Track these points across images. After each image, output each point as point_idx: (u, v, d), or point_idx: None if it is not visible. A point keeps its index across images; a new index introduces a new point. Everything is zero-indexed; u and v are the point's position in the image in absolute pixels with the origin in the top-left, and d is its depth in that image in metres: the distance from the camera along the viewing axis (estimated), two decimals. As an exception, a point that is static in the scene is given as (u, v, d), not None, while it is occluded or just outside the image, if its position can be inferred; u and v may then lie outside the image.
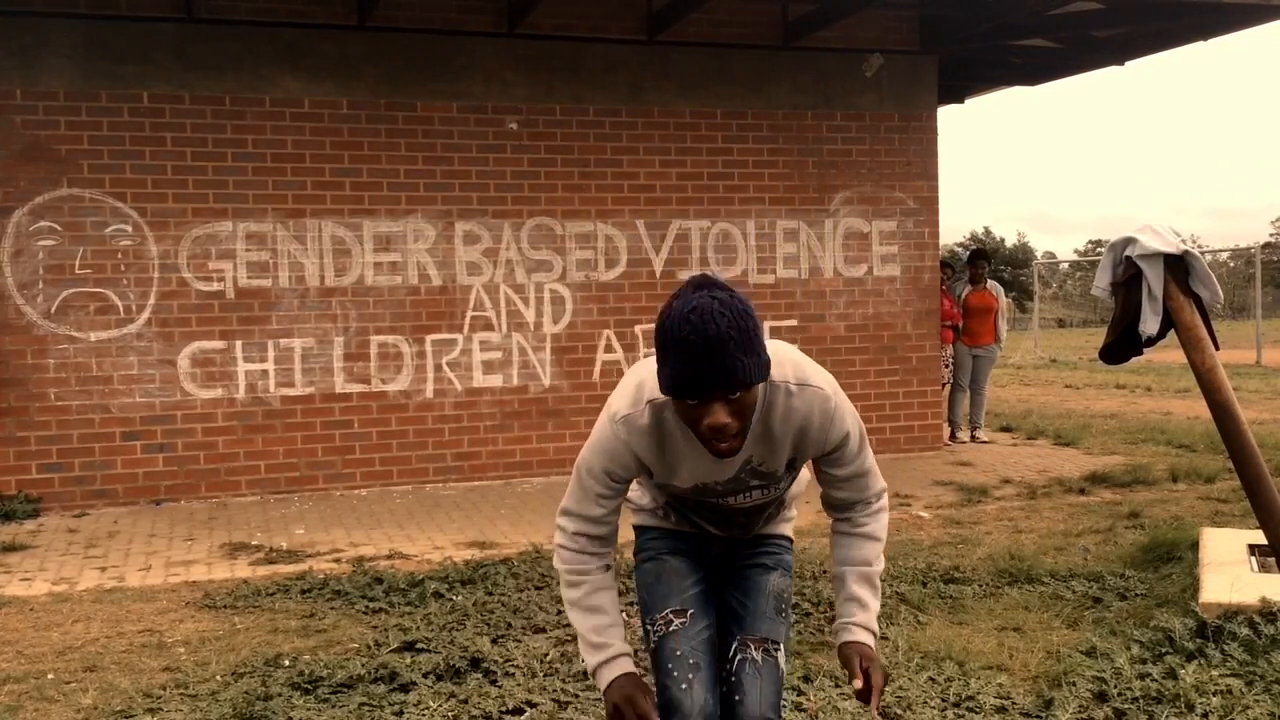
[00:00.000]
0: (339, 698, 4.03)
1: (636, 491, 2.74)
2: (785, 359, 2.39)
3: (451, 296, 8.93)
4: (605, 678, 2.40)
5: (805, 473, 2.69)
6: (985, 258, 11.46)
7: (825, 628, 4.73)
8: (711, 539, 2.67)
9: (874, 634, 2.49)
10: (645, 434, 2.37)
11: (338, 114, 8.64)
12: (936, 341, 10.27)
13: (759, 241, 9.65)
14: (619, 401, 2.41)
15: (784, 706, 3.82)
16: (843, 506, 2.57)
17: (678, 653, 2.45)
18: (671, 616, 2.52)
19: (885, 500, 2.60)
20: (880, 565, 2.55)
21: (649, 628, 2.55)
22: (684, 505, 2.61)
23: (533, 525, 7.32)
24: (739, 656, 2.49)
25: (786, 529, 2.75)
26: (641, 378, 2.40)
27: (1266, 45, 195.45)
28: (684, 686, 2.41)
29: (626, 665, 2.40)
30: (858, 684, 2.39)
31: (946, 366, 10.80)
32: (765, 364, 2.21)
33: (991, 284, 11.07)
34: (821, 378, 2.42)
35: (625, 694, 2.37)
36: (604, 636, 2.43)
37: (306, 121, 8.57)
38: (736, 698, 2.44)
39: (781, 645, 2.53)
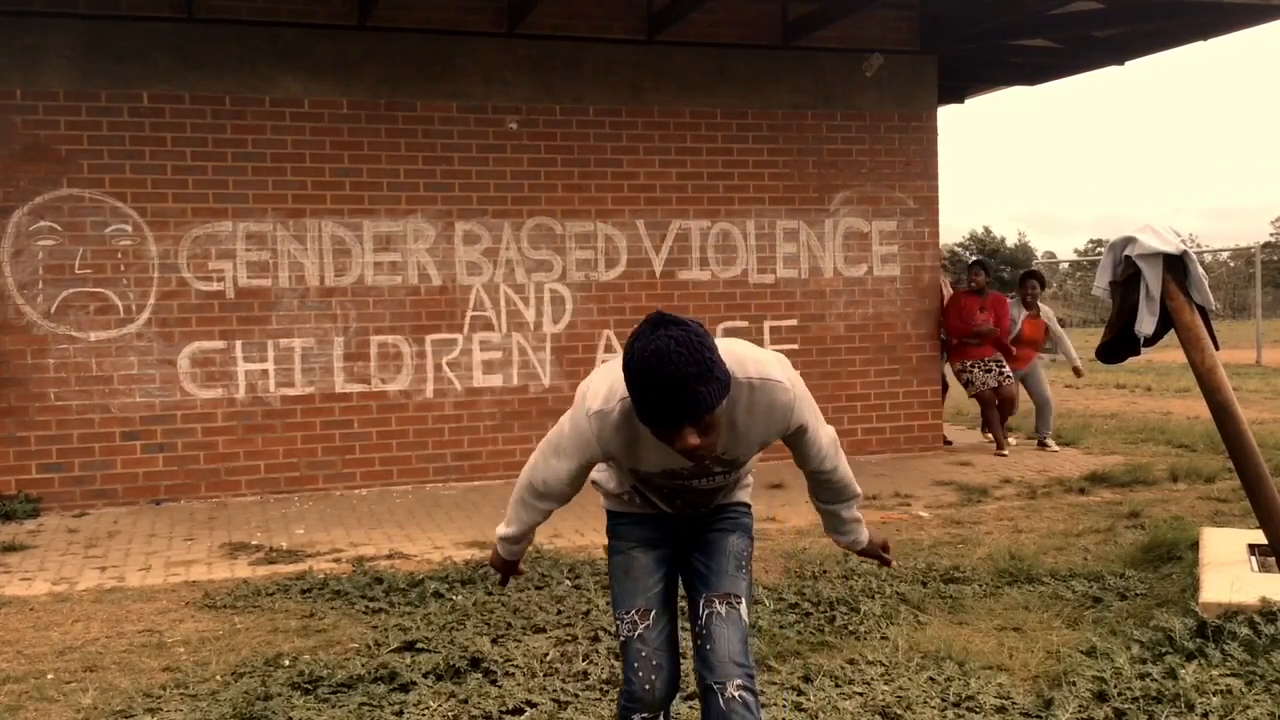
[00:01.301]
0: (339, 698, 4.03)
1: (604, 475, 2.98)
2: (745, 356, 2.61)
3: (451, 296, 8.93)
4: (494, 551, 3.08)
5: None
6: (1038, 278, 10.78)
7: (825, 628, 4.74)
8: (676, 517, 2.93)
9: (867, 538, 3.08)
10: (616, 429, 2.61)
11: (338, 114, 8.64)
12: (936, 342, 10.23)
13: (759, 241, 9.65)
14: (593, 397, 2.63)
15: (784, 706, 3.83)
16: (828, 502, 3.00)
17: (643, 654, 2.77)
18: (636, 618, 2.82)
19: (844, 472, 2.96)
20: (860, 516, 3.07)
21: (619, 623, 2.86)
22: (650, 488, 2.85)
23: (533, 525, 7.31)
24: (706, 612, 2.78)
25: (744, 495, 3.02)
26: (615, 375, 2.55)
27: (1266, 45, 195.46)
28: (646, 687, 2.74)
29: (507, 554, 3.05)
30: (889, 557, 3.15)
31: (1002, 372, 10.04)
32: (725, 384, 2.40)
33: (1044, 309, 10.58)
34: (780, 370, 2.65)
35: (498, 563, 3.09)
36: (505, 542, 3.03)
37: (306, 121, 8.57)
38: (708, 646, 2.72)
39: (743, 598, 2.82)
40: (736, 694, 2.65)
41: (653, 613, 2.81)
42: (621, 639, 2.82)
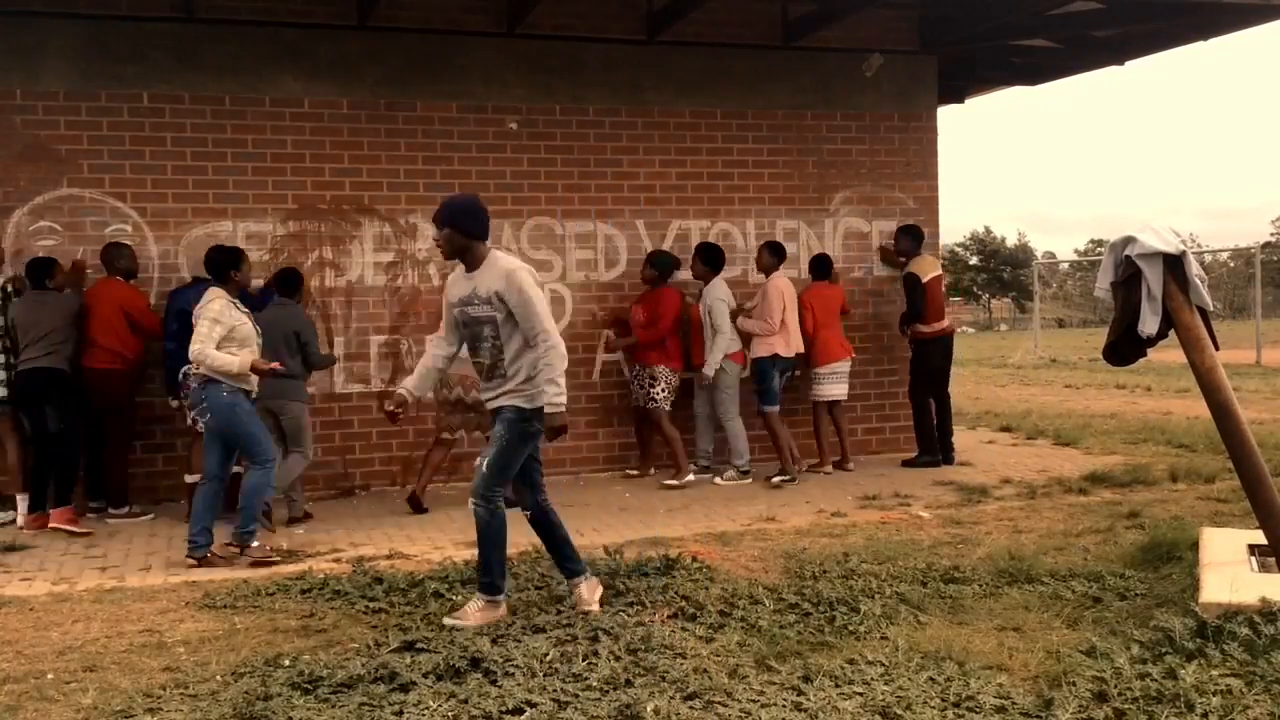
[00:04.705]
0: (339, 698, 4.02)
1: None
2: (509, 257, 5.15)
3: (451, 296, 8.91)
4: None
5: (527, 367, 4.99)
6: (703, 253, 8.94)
7: (825, 628, 4.74)
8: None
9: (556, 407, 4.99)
10: (455, 268, 5.21)
11: (338, 114, 8.64)
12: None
13: (759, 242, 9.63)
14: None
15: (785, 706, 3.84)
16: (529, 343, 4.99)
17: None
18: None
19: (550, 342, 4.97)
20: (550, 374, 4.97)
21: None
22: (467, 338, 5.15)
23: (533, 525, 7.31)
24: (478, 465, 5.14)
25: (517, 401, 5.04)
26: None
27: (1266, 45, 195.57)
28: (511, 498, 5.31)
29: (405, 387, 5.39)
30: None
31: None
32: (453, 220, 5.02)
33: (707, 292, 8.79)
34: (520, 265, 5.09)
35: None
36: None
37: (306, 121, 8.57)
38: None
39: (488, 458, 5.07)
40: (473, 506, 5.08)
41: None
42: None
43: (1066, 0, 8.74)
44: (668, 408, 8.74)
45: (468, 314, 5.05)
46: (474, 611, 4.97)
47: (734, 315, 8.77)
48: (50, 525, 7.24)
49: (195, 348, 6.29)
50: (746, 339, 8.87)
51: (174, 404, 7.79)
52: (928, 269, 9.31)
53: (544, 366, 4.93)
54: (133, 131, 8.22)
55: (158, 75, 8.27)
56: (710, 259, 8.78)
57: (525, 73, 9.05)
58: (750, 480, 8.71)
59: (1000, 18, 9.29)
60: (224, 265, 6.66)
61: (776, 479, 8.65)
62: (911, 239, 9.43)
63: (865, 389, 9.90)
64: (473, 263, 5.04)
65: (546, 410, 4.95)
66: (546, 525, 5.24)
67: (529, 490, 5.22)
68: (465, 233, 5.00)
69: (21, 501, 7.48)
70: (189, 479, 7.51)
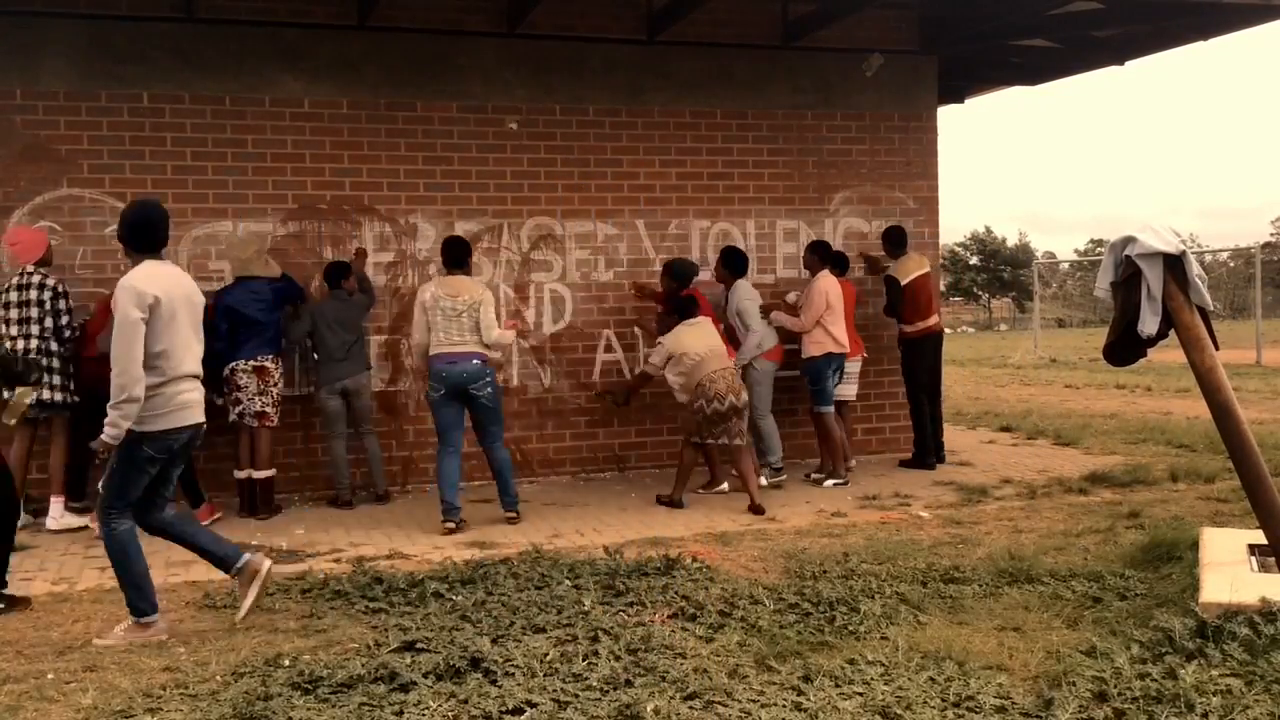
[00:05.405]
0: (339, 698, 4.03)
1: None
2: (134, 273, 4.77)
3: (451, 296, 8.91)
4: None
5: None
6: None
7: (825, 628, 4.74)
8: None
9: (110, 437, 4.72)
10: None
11: (338, 114, 8.64)
12: None
13: (759, 241, 9.65)
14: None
15: (785, 706, 3.83)
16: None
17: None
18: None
19: (115, 370, 4.62)
20: (111, 412, 4.68)
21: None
22: None
23: (533, 525, 7.32)
24: None
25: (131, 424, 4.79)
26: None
27: (1266, 45, 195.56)
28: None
29: None
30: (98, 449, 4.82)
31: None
32: (118, 226, 4.89)
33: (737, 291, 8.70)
34: (124, 283, 4.70)
35: None
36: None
37: (306, 121, 8.57)
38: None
39: (103, 479, 4.97)
40: (96, 527, 5.22)
41: None
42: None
43: (1066, 0, 8.74)
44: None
45: None
46: (119, 631, 4.91)
47: (765, 312, 8.70)
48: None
49: (495, 333, 7.31)
50: (788, 337, 8.83)
51: (219, 401, 7.78)
52: (909, 270, 9.26)
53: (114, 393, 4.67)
54: (133, 131, 8.22)
55: (158, 75, 8.27)
56: (732, 263, 8.71)
57: (525, 73, 9.05)
58: (785, 477, 8.64)
59: (1000, 18, 9.30)
60: (466, 255, 7.62)
61: (829, 483, 8.57)
62: (891, 244, 9.43)
63: (865, 389, 9.89)
64: None
65: (102, 436, 4.74)
66: (178, 538, 5.17)
67: (145, 509, 5.02)
68: (121, 239, 4.89)
69: (55, 504, 7.51)
70: (241, 475, 7.90)
